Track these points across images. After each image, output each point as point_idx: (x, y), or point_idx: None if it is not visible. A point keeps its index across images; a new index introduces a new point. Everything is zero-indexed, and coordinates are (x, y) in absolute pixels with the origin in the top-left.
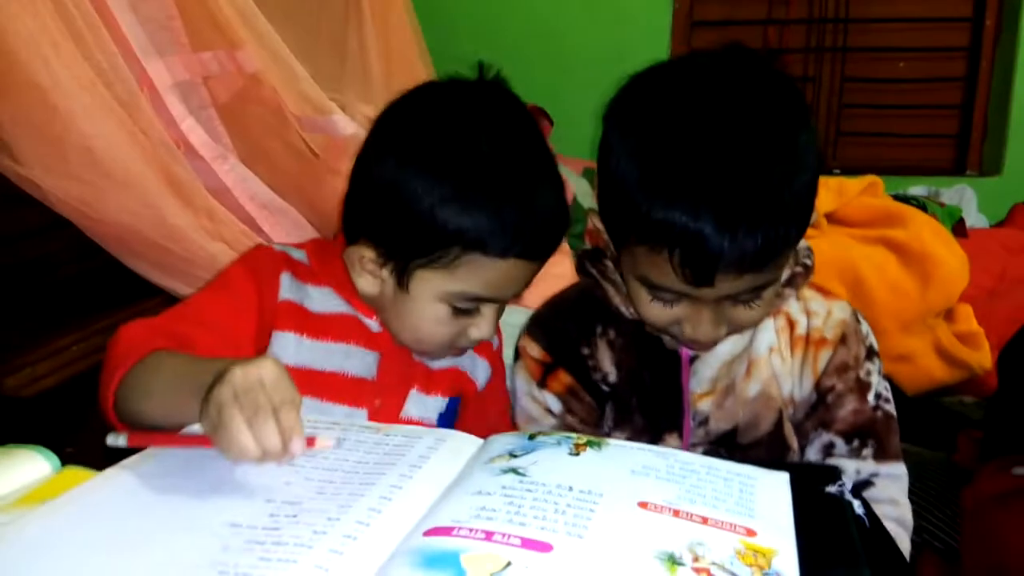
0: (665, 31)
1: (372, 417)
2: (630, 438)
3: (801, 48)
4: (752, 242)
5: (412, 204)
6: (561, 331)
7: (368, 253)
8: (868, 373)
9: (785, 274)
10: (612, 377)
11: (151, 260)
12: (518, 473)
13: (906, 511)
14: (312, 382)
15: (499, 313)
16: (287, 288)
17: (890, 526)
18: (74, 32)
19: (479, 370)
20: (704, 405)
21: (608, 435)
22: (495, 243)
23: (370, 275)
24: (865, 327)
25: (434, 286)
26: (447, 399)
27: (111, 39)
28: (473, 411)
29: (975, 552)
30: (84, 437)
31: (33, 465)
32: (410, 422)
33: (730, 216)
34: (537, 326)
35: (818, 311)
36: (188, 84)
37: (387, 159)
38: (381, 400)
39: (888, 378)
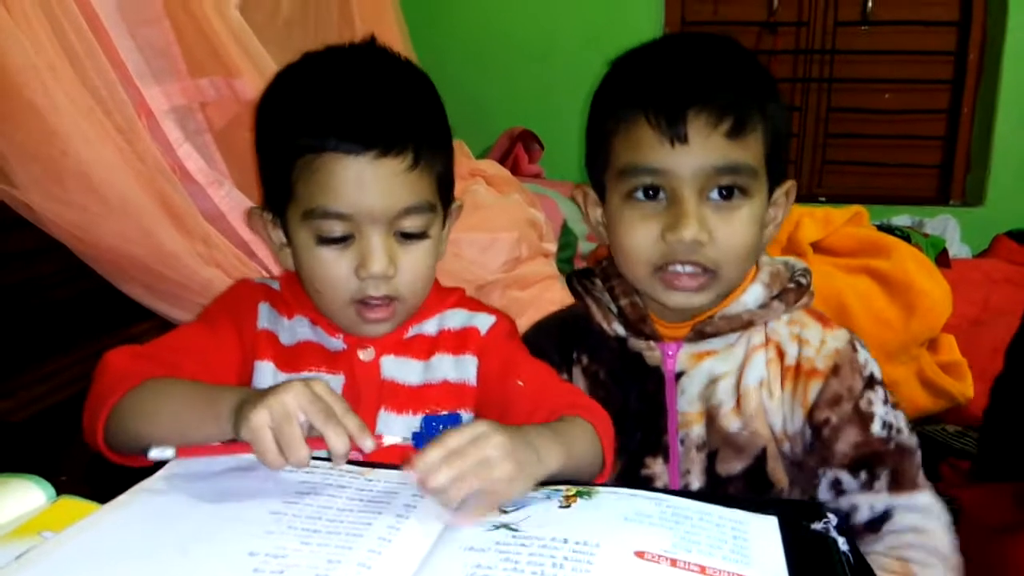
0: None
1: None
2: None
3: (788, 78)
4: (718, 83)
5: (263, 149)
6: (544, 355)
7: (257, 211)
8: (869, 403)
9: (775, 288)
10: None
11: (145, 284)
12: (510, 528)
13: (939, 541)
14: None
15: (388, 242)
16: (265, 318)
17: (915, 555)
18: (72, 57)
19: (466, 368)
20: (698, 428)
21: None
22: (311, 141)
23: (282, 246)
24: (863, 356)
25: (296, 220)
26: (422, 418)
27: (109, 64)
28: (509, 407)
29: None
30: (76, 463)
31: (27, 495)
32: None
33: (697, 67)
34: None
35: (811, 340)
36: (185, 110)
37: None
38: None
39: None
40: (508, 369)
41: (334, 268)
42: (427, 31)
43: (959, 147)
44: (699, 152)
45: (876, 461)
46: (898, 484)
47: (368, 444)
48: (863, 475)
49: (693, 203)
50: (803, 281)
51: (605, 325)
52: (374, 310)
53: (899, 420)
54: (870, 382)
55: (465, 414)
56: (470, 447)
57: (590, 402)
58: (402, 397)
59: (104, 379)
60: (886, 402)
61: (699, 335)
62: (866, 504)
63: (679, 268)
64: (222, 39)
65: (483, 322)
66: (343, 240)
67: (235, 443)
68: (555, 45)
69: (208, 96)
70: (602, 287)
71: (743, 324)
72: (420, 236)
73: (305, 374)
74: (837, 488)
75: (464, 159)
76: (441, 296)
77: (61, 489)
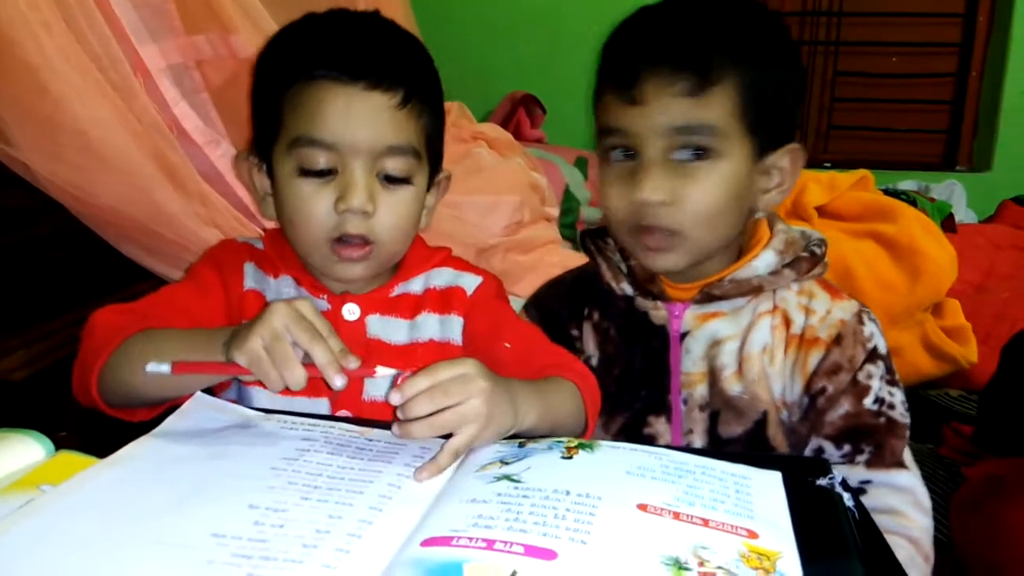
0: None
1: (334, 405)
2: (605, 425)
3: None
4: (676, 42)
5: (258, 88)
6: (554, 311)
7: (243, 155)
8: (868, 376)
9: (788, 256)
10: (594, 360)
11: (143, 244)
12: (512, 480)
13: (912, 524)
14: None
15: (370, 180)
16: (251, 278)
17: (888, 538)
18: (67, 13)
19: (451, 328)
20: (701, 388)
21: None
22: (302, 69)
23: (265, 195)
24: (870, 329)
25: (282, 153)
26: (410, 375)
27: (104, 21)
28: (496, 368)
29: (974, 543)
30: (76, 420)
31: (27, 449)
32: (374, 404)
33: (657, 27)
34: (533, 304)
35: (817, 310)
36: (181, 68)
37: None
38: None
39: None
40: (495, 331)
41: (314, 202)
42: None
43: (966, 112)
44: (656, 112)
45: (862, 434)
46: (880, 460)
47: (351, 363)
48: (847, 447)
49: (655, 164)
50: (818, 251)
51: (614, 284)
52: (349, 248)
53: (895, 397)
54: (872, 355)
55: None
56: (454, 385)
57: (576, 362)
58: (388, 356)
59: (95, 335)
60: (885, 378)
61: (707, 297)
62: (843, 476)
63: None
64: None
65: (470, 282)
66: (326, 174)
67: (230, 364)
68: (559, 9)
69: (205, 53)
70: (614, 246)
71: (752, 289)
72: (403, 181)
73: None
74: (818, 456)
75: (466, 122)
76: (427, 254)
77: (60, 444)
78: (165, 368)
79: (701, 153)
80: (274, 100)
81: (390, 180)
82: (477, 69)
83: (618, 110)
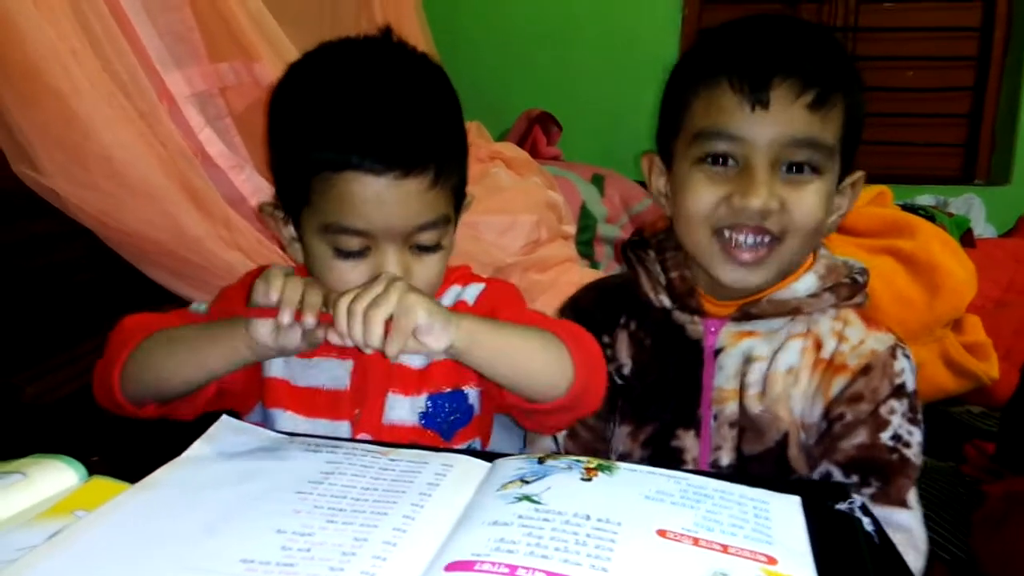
0: (674, 40)
1: (355, 428)
2: (633, 433)
3: None
4: (806, 54)
5: (278, 152)
6: (588, 316)
7: (268, 208)
8: (891, 411)
9: (829, 281)
10: (626, 369)
11: (169, 268)
12: (532, 501)
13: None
14: (295, 397)
15: (403, 255)
16: None
17: None
18: (94, 42)
19: None
20: (733, 405)
21: (613, 429)
22: (331, 158)
23: (292, 240)
24: (900, 365)
25: (312, 229)
26: (426, 397)
27: (130, 50)
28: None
29: (995, 561)
30: (107, 443)
31: (60, 475)
32: (393, 428)
33: (785, 37)
34: (569, 307)
35: (850, 337)
36: (205, 95)
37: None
38: (360, 409)
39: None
40: (492, 312)
41: (349, 279)
42: (447, 12)
43: (984, 125)
44: (779, 120)
45: (873, 468)
46: (885, 496)
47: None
48: (854, 478)
49: (764, 172)
50: (860, 279)
51: (652, 295)
52: None
53: (912, 436)
54: (898, 391)
55: (469, 390)
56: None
57: (572, 327)
58: (409, 379)
59: (120, 335)
60: (907, 416)
61: (744, 316)
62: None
63: (741, 238)
64: (241, 24)
65: (472, 292)
66: (360, 253)
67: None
68: (573, 27)
69: (228, 81)
70: (654, 258)
71: (790, 310)
72: (435, 248)
73: (316, 359)
74: (824, 481)
75: (482, 142)
76: (445, 275)
77: (93, 469)
78: (203, 308)
79: (805, 169)
80: (300, 177)
81: (422, 248)
82: (493, 87)
83: (735, 113)
